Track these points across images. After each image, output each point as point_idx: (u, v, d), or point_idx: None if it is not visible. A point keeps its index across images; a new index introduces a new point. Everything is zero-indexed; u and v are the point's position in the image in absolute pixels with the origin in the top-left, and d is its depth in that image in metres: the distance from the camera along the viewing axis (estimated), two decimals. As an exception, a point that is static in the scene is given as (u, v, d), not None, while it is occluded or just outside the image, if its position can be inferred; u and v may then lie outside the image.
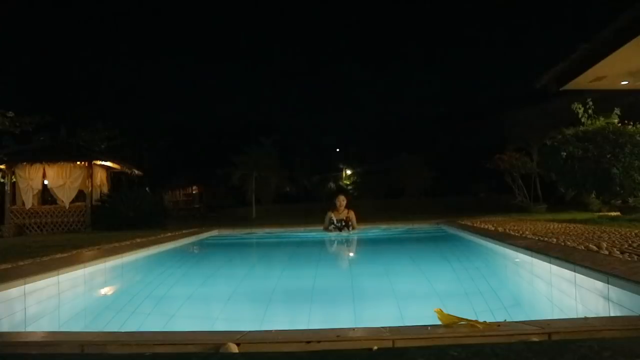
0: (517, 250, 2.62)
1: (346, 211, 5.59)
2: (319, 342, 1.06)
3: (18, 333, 1.69)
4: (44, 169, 10.48)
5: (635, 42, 4.67)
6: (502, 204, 11.00)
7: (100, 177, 11.40)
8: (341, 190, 6.07)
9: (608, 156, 6.07)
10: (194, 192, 30.94)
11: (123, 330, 1.95)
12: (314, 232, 5.78)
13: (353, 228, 5.50)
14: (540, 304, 2.15)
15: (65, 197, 10.55)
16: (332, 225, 5.48)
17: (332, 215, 5.58)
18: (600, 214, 6.26)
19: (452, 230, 5.18)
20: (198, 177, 29.29)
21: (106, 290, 2.72)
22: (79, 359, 1.09)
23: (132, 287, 2.69)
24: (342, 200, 5.56)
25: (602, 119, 6.84)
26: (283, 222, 8.29)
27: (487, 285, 2.39)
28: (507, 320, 1.27)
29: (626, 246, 2.32)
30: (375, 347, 0.95)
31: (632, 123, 6.40)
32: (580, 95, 7.27)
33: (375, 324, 1.20)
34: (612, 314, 1.47)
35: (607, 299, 1.51)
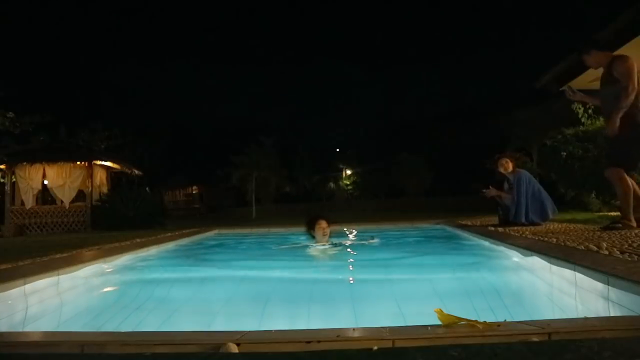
0: (517, 250, 2.62)
1: (328, 232, 4.12)
2: (319, 342, 1.06)
3: (18, 333, 1.69)
4: (43, 169, 10.48)
5: (635, 42, 4.67)
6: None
7: (100, 177, 11.40)
8: (317, 214, 4.29)
9: (608, 156, 6.06)
10: (194, 192, 31.00)
11: (123, 330, 1.94)
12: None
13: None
14: (540, 304, 2.15)
15: (65, 197, 10.55)
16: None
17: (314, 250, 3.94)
18: (600, 214, 6.25)
19: (452, 230, 5.17)
20: (198, 177, 29.36)
21: (106, 290, 2.72)
22: (78, 359, 1.09)
23: (132, 287, 2.69)
24: (325, 228, 4.04)
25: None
26: (284, 222, 8.29)
27: (487, 285, 2.39)
28: (507, 320, 1.27)
29: (626, 246, 2.32)
30: (375, 347, 0.95)
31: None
32: (580, 95, 7.27)
33: (375, 324, 1.20)
34: (612, 314, 1.46)
35: (607, 299, 1.51)
